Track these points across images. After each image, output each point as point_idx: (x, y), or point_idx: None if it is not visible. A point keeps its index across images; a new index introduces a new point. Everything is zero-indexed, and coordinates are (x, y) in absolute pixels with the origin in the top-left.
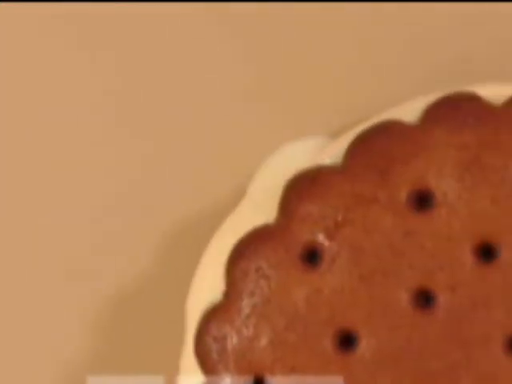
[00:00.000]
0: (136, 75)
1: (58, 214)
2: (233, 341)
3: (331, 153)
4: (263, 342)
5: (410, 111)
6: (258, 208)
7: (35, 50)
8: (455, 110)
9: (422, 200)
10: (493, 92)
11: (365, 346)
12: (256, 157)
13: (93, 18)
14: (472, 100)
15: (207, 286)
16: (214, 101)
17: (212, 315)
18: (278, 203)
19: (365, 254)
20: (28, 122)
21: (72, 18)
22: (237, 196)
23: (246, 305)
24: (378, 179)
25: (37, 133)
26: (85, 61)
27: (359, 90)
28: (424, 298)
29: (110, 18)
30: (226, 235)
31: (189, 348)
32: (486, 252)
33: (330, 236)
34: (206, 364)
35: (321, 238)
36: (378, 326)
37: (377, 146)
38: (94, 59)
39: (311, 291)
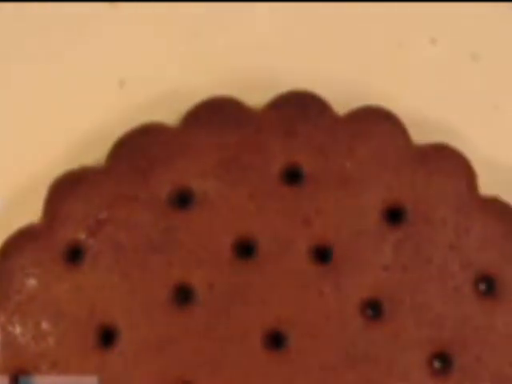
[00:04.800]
0: None
1: None
2: None
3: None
4: (27, 338)
5: None
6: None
7: None
8: (216, 113)
9: (184, 199)
10: None
11: (124, 342)
12: None
13: None
14: (233, 104)
15: None
16: None
17: None
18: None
19: (125, 250)
20: None
21: None
22: None
23: (11, 303)
24: (140, 179)
25: None
26: None
27: None
28: (183, 294)
29: None
30: None
31: None
32: (245, 248)
33: (91, 234)
34: None
35: (83, 236)
36: (137, 321)
37: (138, 147)
38: None
39: (73, 288)
